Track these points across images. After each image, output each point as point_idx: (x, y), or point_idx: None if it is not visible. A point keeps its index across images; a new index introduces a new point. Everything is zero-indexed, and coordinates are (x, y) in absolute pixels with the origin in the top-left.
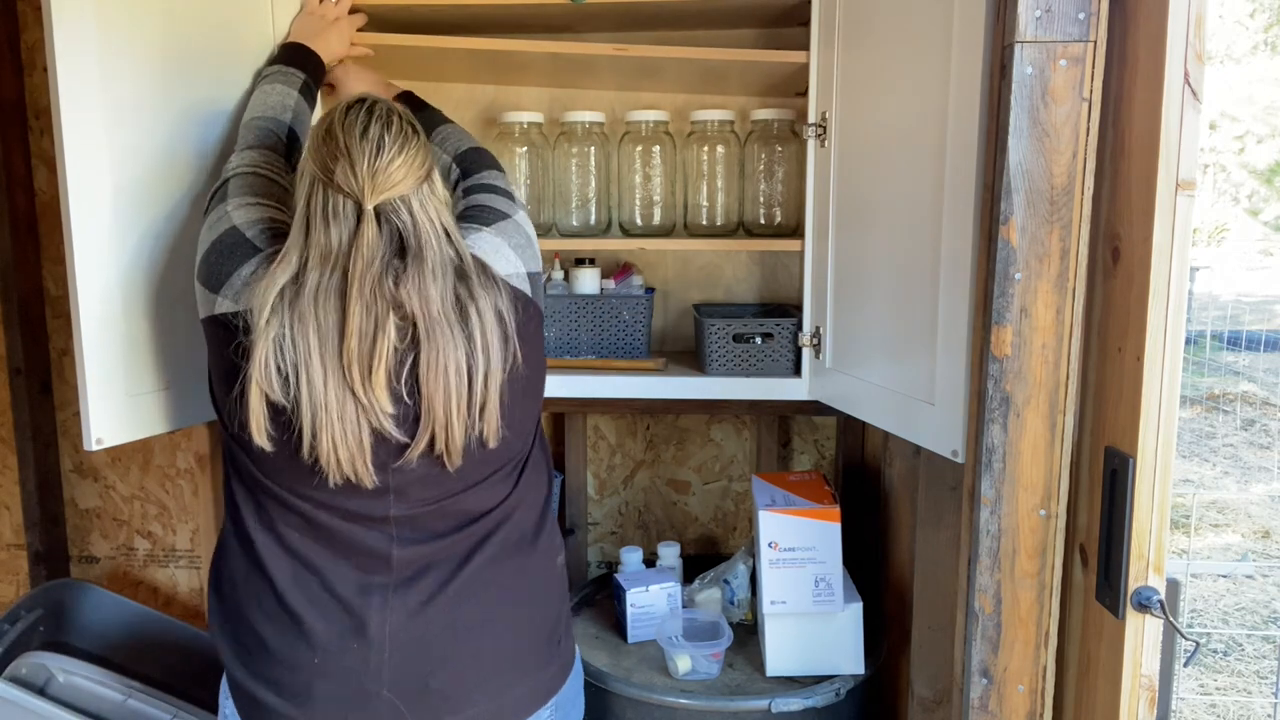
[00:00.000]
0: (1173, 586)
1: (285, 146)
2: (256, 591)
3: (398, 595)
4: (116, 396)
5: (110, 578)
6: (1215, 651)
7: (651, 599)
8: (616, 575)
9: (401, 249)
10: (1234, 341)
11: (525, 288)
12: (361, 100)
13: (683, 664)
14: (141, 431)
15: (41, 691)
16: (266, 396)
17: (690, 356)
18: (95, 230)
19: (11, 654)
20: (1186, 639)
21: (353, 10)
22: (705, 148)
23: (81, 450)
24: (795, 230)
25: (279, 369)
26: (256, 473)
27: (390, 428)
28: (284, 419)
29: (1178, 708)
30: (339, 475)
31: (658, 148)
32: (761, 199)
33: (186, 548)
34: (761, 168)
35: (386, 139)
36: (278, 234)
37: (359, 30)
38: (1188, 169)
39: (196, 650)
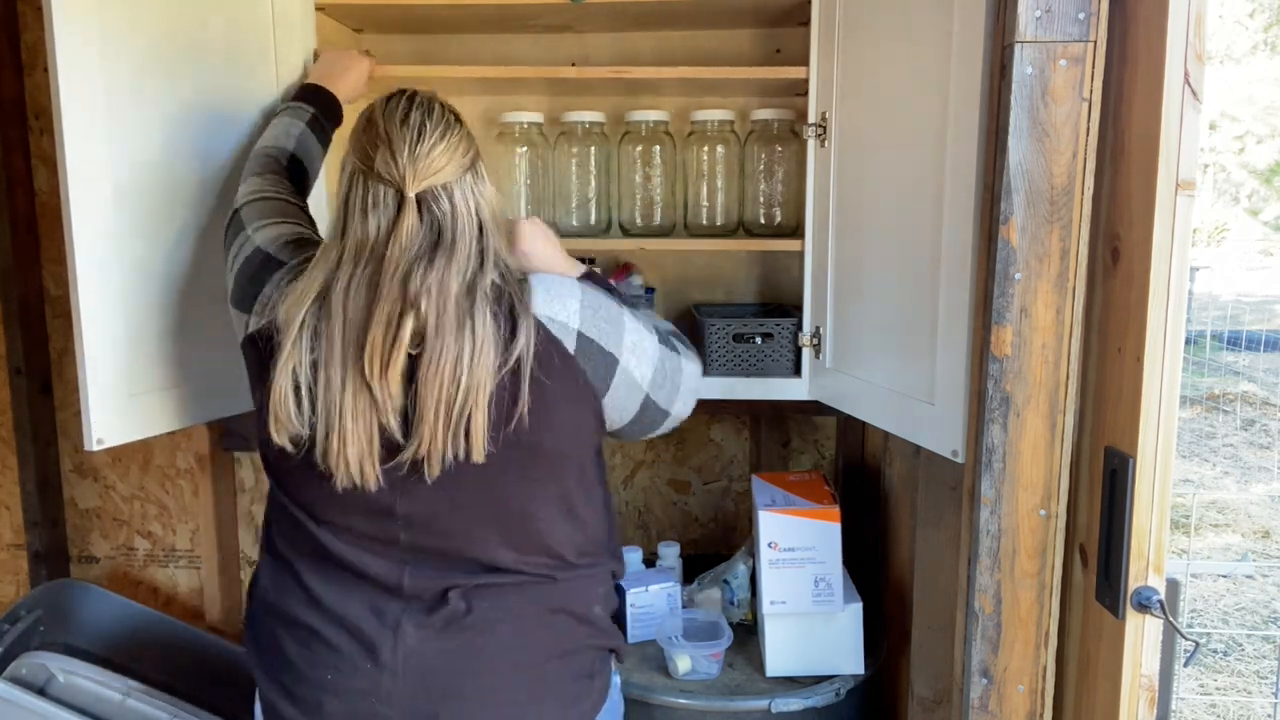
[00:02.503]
0: (1173, 586)
1: (288, 171)
2: (280, 604)
3: (410, 620)
4: (117, 396)
5: (110, 578)
6: (1215, 651)
7: (651, 599)
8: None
9: (437, 240)
10: (1234, 341)
11: (565, 340)
12: (403, 90)
13: (683, 664)
14: (142, 431)
15: (41, 691)
16: (291, 394)
17: None
18: (95, 230)
19: (11, 654)
20: (1186, 639)
21: (355, 12)
22: (705, 148)
23: (81, 450)
24: (795, 230)
25: (303, 365)
26: (279, 489)
27: (395, 426)
28: (304, 418)
29: (1178, 708)
30: (347, 477)
31: (658, 148)
32: (761, 199)
33: (186, 548)
34: (761, 168)
35: (428, 125)
36: (301, 245)
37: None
38: (1188, 169)
39: (196, 650)
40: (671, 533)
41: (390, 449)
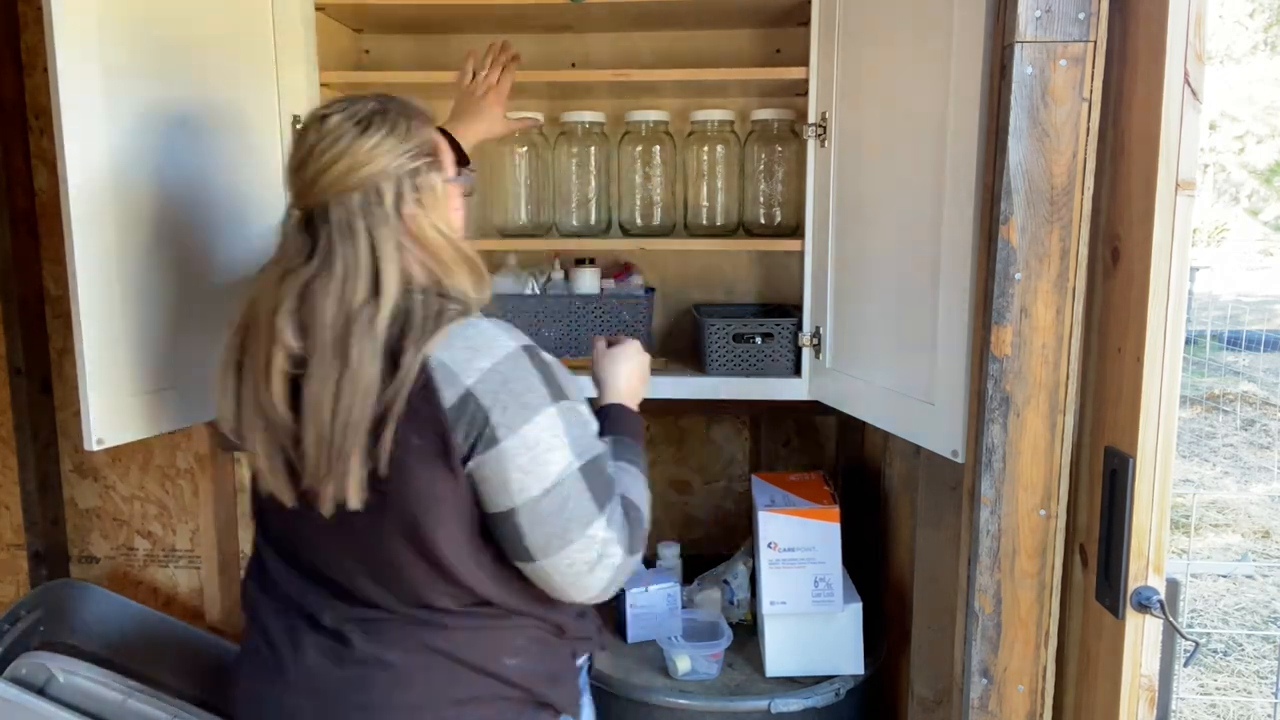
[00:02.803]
0: (1173, 586)
1: None
2: (245, 608)
3: (311, 642)
4: (117, 396)
5: (110, 578)
6: (1215, 651)
7: (651, 599)
8: None
9: (308, 259)
10: (1234, 341)
11: (445, 391)
12: (331, 100)
13: (682, 664)
14: (142, 431)
15: (41, 691)
16: (219, 384)
17: (690, 356)
18: (95, 230)
19: (11, 654)
20: (1186, 639)
21: (355, 12)
22: (705, 148)
23: (81, 450)
24: (795, 230)
25: (231, 360)
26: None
27: (292, 451)
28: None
29: (1178, 708)
30: (264, 483)
31: (658, 148)
32: (761, 199)
33: (186, 548)
34: (761, 168)
35: (308, 139)
36: None
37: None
38: (1188, 169)
39: (196, 650)
40: (671, 533)
41: (294, 473)
